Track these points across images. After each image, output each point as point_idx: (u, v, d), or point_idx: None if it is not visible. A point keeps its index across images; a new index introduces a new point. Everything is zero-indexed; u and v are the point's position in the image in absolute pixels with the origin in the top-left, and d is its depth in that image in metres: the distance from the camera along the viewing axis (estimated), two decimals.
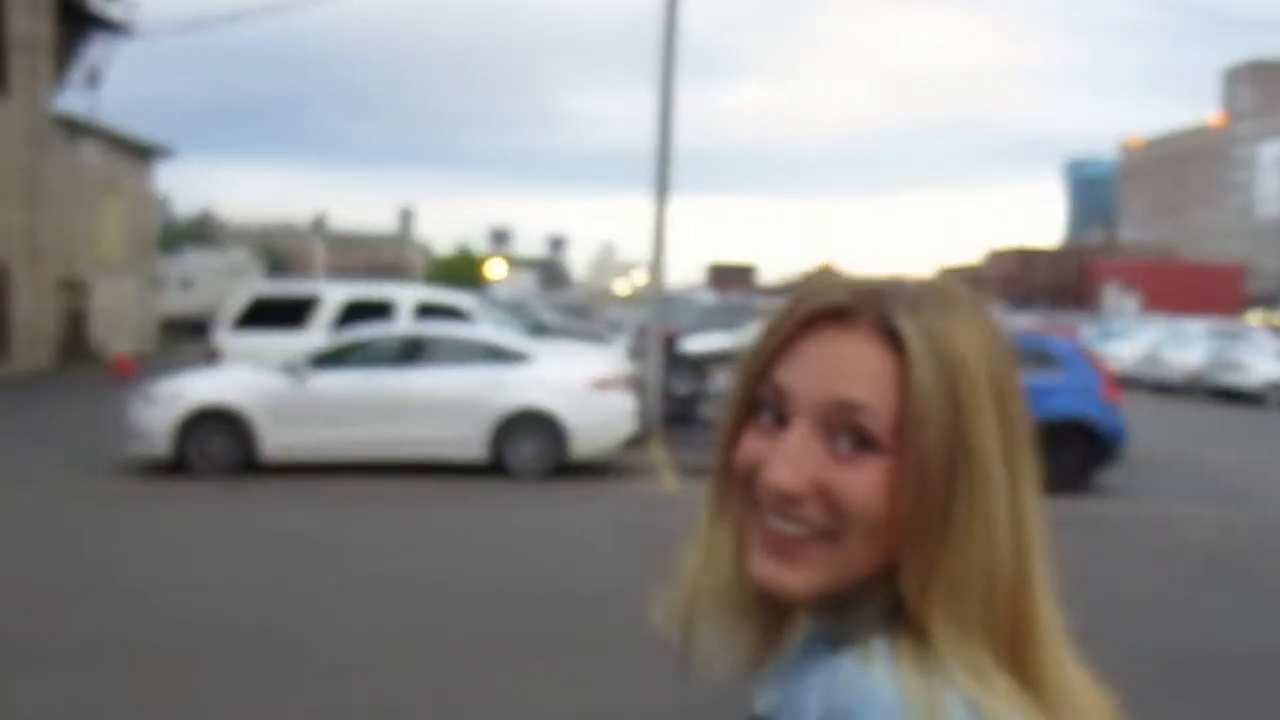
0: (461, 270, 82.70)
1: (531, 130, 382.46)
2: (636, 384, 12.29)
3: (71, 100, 26.44)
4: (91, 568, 7.07)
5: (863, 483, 0.74)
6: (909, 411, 0.73)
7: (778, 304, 0.87)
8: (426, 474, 10.40)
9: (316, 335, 12.83)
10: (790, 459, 0.75)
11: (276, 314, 13.41)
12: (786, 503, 0.75)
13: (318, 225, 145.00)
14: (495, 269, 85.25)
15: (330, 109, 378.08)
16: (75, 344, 25.58)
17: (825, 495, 0.75)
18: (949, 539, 0.73)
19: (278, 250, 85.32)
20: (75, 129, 25.90)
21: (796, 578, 0.76)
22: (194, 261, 40.53)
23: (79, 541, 7.84)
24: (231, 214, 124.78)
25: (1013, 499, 0.75)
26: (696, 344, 16.20)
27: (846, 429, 0.75)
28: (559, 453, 10.66)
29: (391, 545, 7.94)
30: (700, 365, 15.56)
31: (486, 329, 12.35)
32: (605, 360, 12.91)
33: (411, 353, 10.83)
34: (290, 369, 10.48)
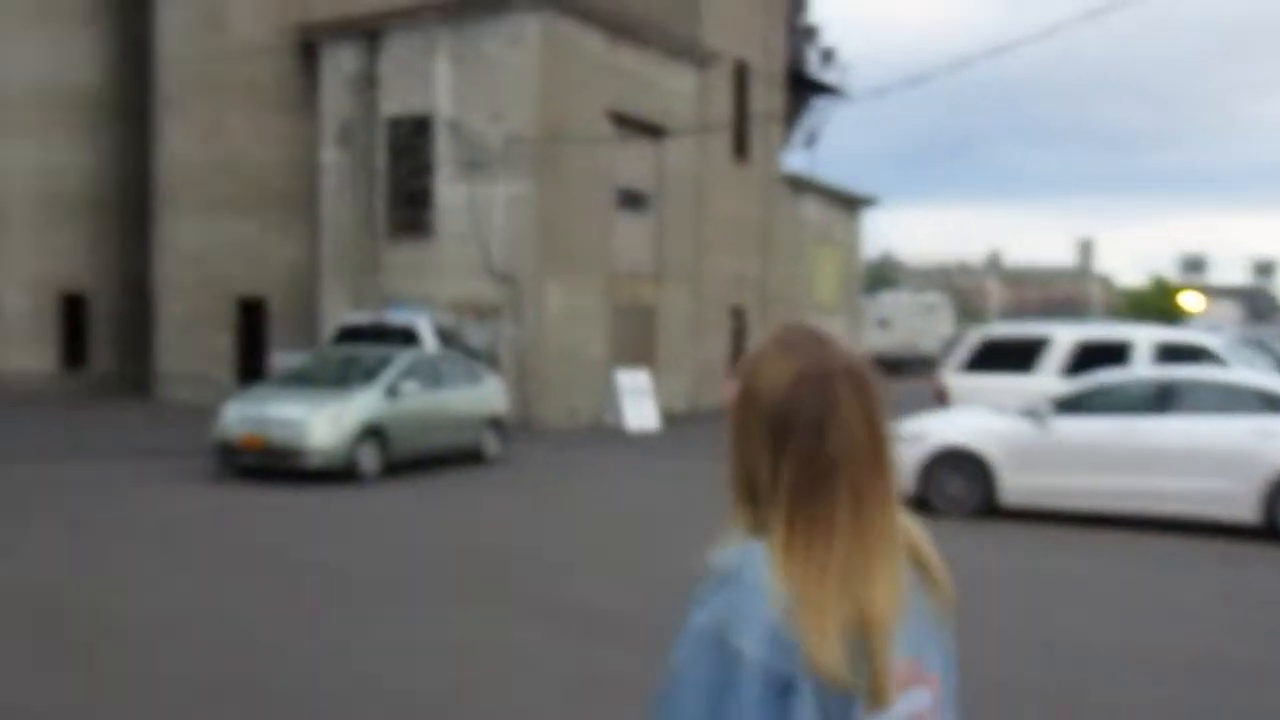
0: (1152, 302, 76.33)
1: (1226, 144, 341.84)
2: None
3: (793, 160, 29.63)
4: None
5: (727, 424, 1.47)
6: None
7: None
8: (1180, 532, 9.63)
9: (1046, 378, 12.61)
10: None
11: (1004, 356, 13.46)
12: None
13: (993, 262, 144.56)
14: (1190, 300, 76.98)
15: (1005, 143, 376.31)
16: None
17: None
18: (734, 461, 1.43)
19: (955, 289, 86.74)
20: (798, 186, 28.93)
21: None
22: (890, 302, 42.87)
23: None
24: (909, 255, 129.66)
25: (773, 463, 1.37)
26: None
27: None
28: None
29: (1170, 603, 7.44)
30: None
31: (1248, 372, 11.10)
32: None
33: (1165, 399, 10.11)
34: (1032, 413, 10.42)
